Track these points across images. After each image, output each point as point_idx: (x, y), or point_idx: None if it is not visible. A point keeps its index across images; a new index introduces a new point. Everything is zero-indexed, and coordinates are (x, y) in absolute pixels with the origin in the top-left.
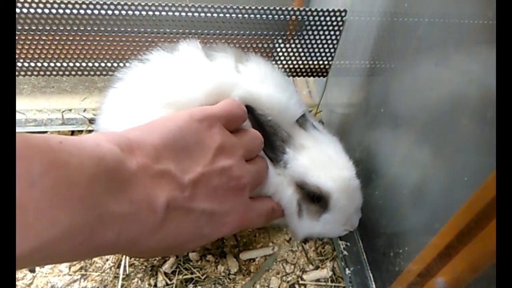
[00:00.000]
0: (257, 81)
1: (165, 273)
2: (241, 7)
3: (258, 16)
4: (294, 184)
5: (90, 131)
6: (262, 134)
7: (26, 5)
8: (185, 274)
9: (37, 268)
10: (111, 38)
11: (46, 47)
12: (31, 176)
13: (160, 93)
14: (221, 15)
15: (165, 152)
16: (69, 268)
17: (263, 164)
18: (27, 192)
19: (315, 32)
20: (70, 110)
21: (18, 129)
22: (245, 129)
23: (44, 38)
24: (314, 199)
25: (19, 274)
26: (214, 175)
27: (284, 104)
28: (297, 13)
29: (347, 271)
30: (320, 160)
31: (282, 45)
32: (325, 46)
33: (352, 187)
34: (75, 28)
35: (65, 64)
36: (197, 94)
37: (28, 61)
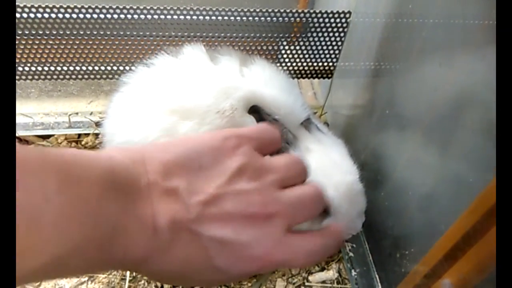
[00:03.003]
0: (262, 84)
1: None
2: (245, 9)
3: (262, 18)
4: None
5: (96, 134)
6: None
7: (34, 10)
8: None
9: None
10: (117, 42)
11: (53, 51)
12: (47, 192)
13: (165, 98)
14: (226, 18)
15: (177, 169)
16: None
17: (312, 191)
18: (44, 208)
19: (320, 34)
20: (77, 113)
21: (25, 133)
22: (282, 154)
23: (51, 42)
24: None
25: None
26: (228, 198)
27: (290, 106)
28: (302, 15)
29: (353, 273)
30: (324, 164)
31: (286, 47)
32: (330, 47)
33: (355, 191)
34: (82, 33)
35: (71, 68)
36: (203, 99)
37: (35, 65)
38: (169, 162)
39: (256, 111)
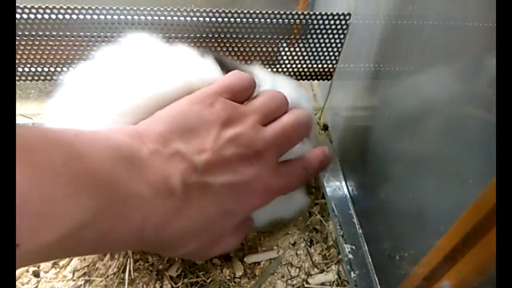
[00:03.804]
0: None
1: (171, 277)
2: (245, 11)
3: (262, 20)
4: None
5: None
6: None
7: (34, 11)
8: (191, 278)
9: (42, 273)
10: (117, 43)
11: (53, 52)
12: (55, 167)
13: (113, 99)
14: (226, 19)
15: (172, 136)
16: (73, 273)
17: (293, 119)
18: (54, 181)
19: (320, 36)
20: None
21: None
22: (260, 93)
23: (51, 43)
24: None
25: (23, 279)
26: (223, 147)
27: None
28: (301, 17)
29: (353, 275)
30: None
31: (286, 49)
32: (330, 49)
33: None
34: (82, 34)
35: (71, 69)
36: (175, 84)
37: (35, 66)
38: (164, 131)
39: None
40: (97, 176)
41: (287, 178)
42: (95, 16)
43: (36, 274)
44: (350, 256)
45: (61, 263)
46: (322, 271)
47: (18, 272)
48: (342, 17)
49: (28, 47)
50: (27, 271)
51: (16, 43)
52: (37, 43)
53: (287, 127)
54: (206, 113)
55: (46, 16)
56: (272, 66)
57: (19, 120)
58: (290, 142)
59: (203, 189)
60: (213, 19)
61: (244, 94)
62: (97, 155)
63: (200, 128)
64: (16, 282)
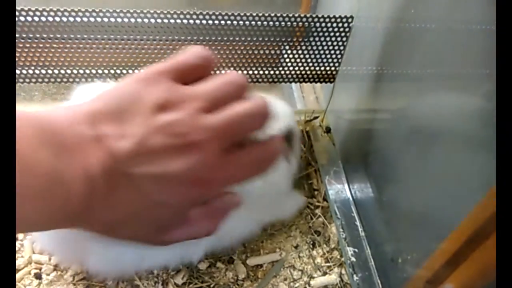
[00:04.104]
0: None
1: (176, 284)
2: (248, 14)
3: (265, 23)
4: None
5: None
6: None
7: (38, 13)
8: (196, 284)
9: (44, 276)
10: (120, 46)
11: (57, 54)
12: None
13: None
14: (229, 22)
15: (103, 117)
16: (73, 277)
17: (246, 107)
18: None
19: (322, 39)
20: None
21: None
22: (215, 75)
23: (55, 45)
24: None
25: (25, 280)
26: (151, 136)
27: None
28: (304, 19)
29: (355, 278)
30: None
31: (289, 52)
32: (332, 52)
33: None
34: (85, 36)
35: (75, 71)
36: None
37: (39, 68)
38: (94, 111)
39: None
40: (25, 157)
41: (231, 171)
42: (98, 19)
43: (37, 276)
44: (353, 259)
45: (63, 266)
46: (324, 274)
47: (20, 274)
48: (344, 20)
49: (32, 49)
50: (29, 273)
51: (20, 45)
52: (41, 45)
53: (236, 116)
54: (143, 94)
55: (50, 18)
56: (275, 69)
57: None
58: (237, 133)
59: (126, 179)
60: (216, 21)
61: (194, 74)
62: (30, 135)
63: (133, 110)
64: (19, 284)
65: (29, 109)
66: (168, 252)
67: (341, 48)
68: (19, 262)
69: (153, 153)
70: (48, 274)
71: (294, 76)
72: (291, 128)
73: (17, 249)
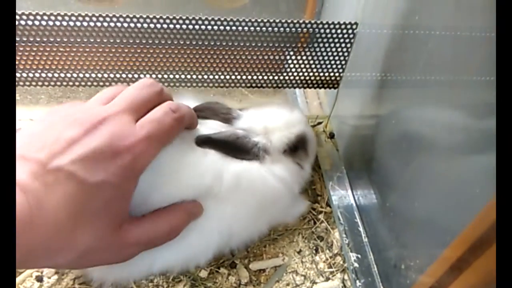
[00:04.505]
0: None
1: None
2: (253, 19)
3: (270, 28)
4: None
5: None
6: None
7: (45, 17)
8: None
9: (45, 279)
10: (126, 50)
11: (63, 58)
12: None
13: None
14: (234, 27)
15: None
16: (74, 280)
17: (132, 87)
18: None
19: (326, 45)
20: None
21: None
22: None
23: (61, 49)
24: None
25: (27, 283)
26: (66, 130)
27: None
28: (309, 25)
29: (358, 283)
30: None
31: (293, 57)
32: (336, 58)
33: None
34: (92, 40)
35: (81, 75)
36: None
37: (45, 71)
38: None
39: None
40: None
41: (144, 132)
42: (105, 24)
43: (39, 279)
44: (356, 264)
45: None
46: (327, 279)
47: (22, 276)
48: (349, 26)
49: (39, 53)
50: (31, 276)
51: (27, 48)
52: (48, 49)
53: (129, 94)
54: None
55: (57, 22)
56: (279, 74)
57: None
58: (138, 104)
59: (58, 175)
60: (221, 27)
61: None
62: None
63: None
64: (20, 286)
65: (35, 112)
66: (174, 255)
67: (345, 54)
68: None
69: (71, 142)
70: (49, 277)
71: (298, 81)
72: (304, 135)
73: None
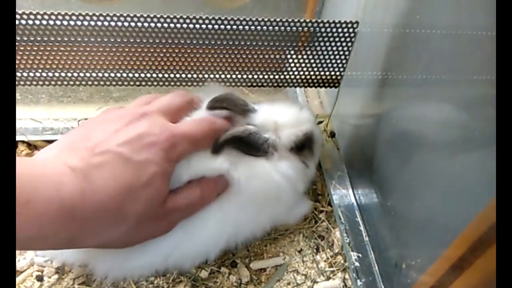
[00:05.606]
0: None
1: None
2: (253, 18)
3: (270, 27)
4: None
5: None
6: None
7: (46, 17)
8: None
9: (45, 278)
10: (126, 49)
11: (64, 57)
12: None
13: None
14: (234, 26)
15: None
16: (74, 280)
17: (168, 95)
18: None
19: (327, 44)
20: (86, 119)
21: (34, 137)
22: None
23: (62, 49)
24: None
25: (27, 282)
26: (111, 122)
27: None
28: (309, 24)
29: (359, 283)
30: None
31: (294, 56)
32: (337, 57)
33: None
34: (92, 39)
35: (81, 74)
36: None
37: (46, 71)
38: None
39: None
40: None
41: (182, 127)
42: (105, 23)
43: (39, 279)
44: (357, 264)
45: (65, 269)
46: (328, 279)
47: (22, 276)
48: (349, 25)
49: (40, 53)
50: (31, 275)
51: (28, 48)
52: (48, 48)
53: (166, 99)
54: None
55: (58, 22)
56: (280, 73)
57: (28, 124)
58: (172, 107)
59: (107, 155)
60: (222, 26)
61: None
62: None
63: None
64: (21, 286)
65: (35, 112)
66: (188, 249)
67: (346, 53)
68: (21, 264)
69: (115, 132)
70: (49, 277)
71: (299, 80)
72: (311, 134)
73: (19, 251)
